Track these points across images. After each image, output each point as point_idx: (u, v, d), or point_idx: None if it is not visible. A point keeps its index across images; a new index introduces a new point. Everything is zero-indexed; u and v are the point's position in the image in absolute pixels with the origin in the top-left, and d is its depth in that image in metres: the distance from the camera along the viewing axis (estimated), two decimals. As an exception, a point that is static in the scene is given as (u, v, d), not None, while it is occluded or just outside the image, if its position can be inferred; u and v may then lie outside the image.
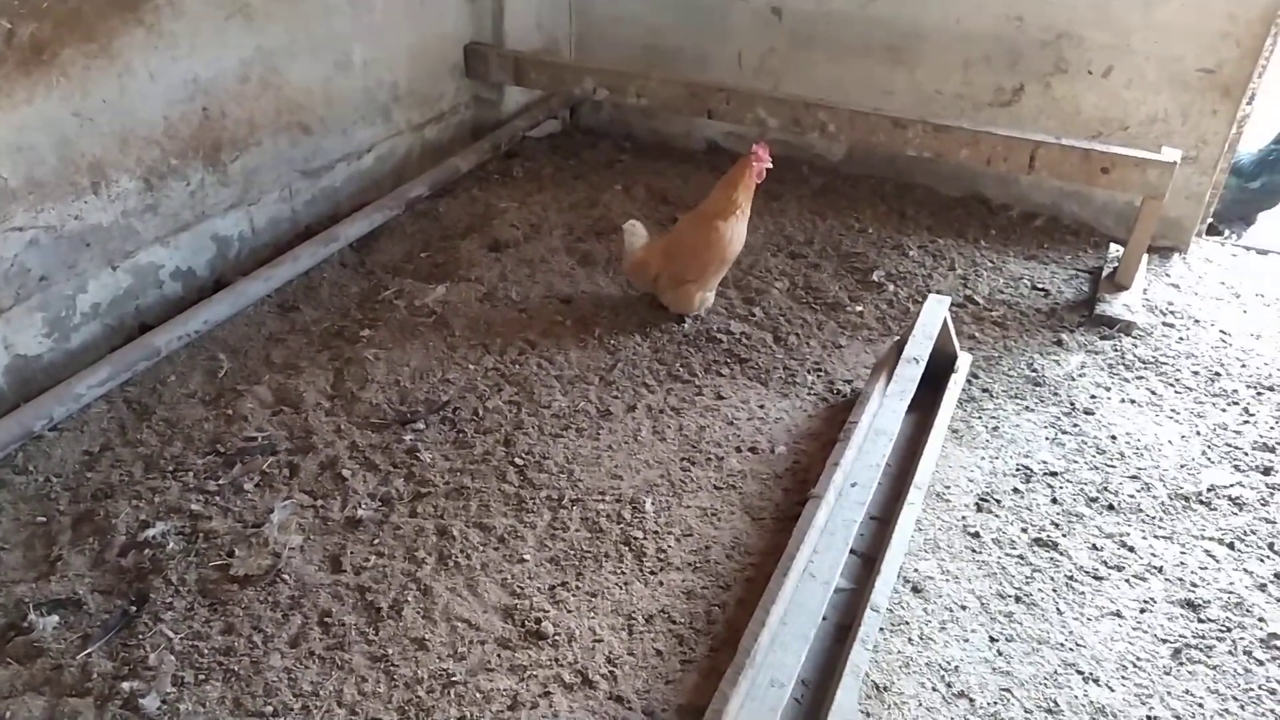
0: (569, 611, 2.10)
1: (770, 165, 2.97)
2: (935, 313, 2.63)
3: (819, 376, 2.93)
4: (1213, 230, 4.07)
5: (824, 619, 2.06)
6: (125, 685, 1.86)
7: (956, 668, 2.00)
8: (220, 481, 2.38)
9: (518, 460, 2.52)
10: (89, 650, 1.93)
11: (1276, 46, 3.54)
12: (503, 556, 2.23)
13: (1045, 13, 3.69)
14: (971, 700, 1.93)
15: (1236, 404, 2.84)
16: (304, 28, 3.22)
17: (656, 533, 2.32)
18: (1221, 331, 3.20)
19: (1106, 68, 3.69)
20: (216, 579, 2.12)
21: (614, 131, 4.71)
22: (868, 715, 1.89)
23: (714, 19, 4.26)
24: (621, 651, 2.01)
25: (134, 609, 2.03)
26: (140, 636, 1.97)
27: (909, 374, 2.37)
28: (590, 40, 4.58)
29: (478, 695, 1.90)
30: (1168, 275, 3.62)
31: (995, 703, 1.93)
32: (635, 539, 2.30)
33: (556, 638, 2.03)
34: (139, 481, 2.38)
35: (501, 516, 2.34)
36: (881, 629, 2.08)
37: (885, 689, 1.95)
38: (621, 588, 2.17)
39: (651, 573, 2.21)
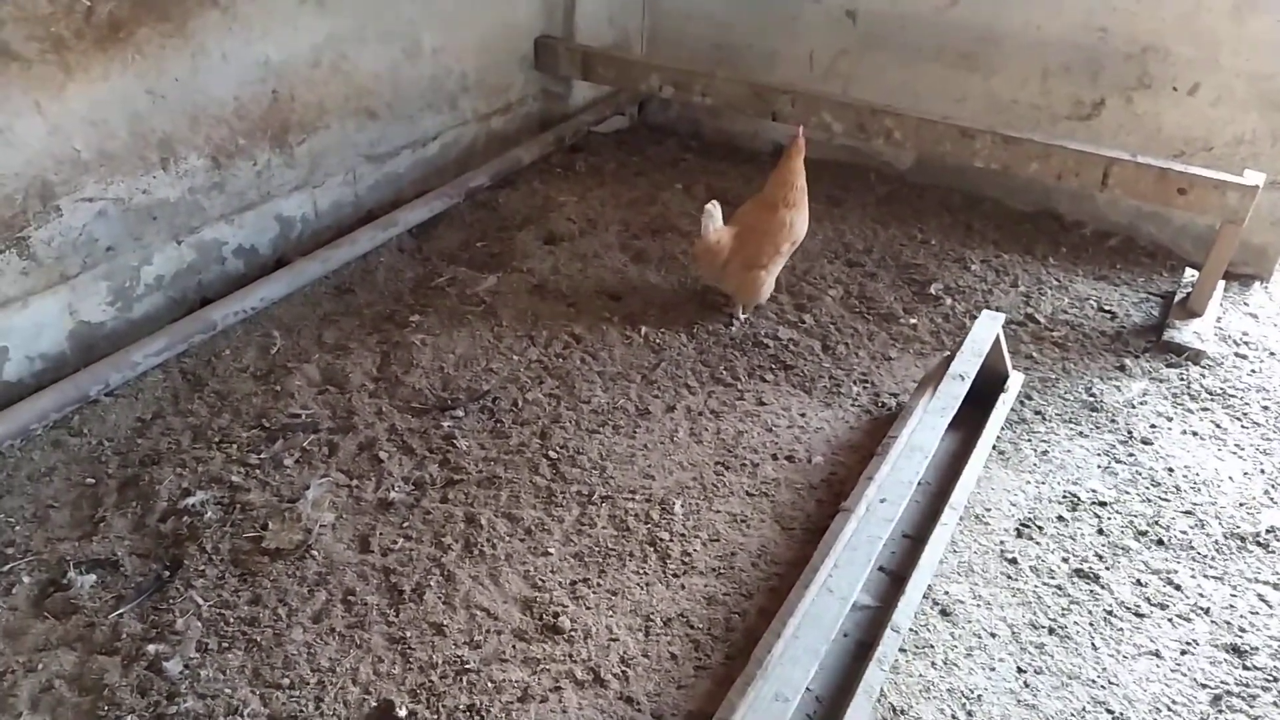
0: (588, 608, 2.10)
1: (801, 140, 3.04)
2: (988, 329, 2.55)
3: (865, 388, 2.88)
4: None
5: (845, 636, 2.03)
6: (151, 648, 1.92)
7: (980, 697, 1.94)
8: (262, 455, 2.44)
9: (552, 453, 2.53)
10: (121, 611, 2.00)
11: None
12: (528, 548, 2.24)
13: (1130, 24, 3.55)
14: (992, 732, 1.87)
15: (1308, 443, 2.70)
16: (375, 14, 3.28)
17: (683, 535, 2.30)
18: (1299, 365, 3.04)
19: (1193, 84, 3.54)
20: (249, 550, 2.17)
21: (681, 130, 4.69)
22: (881, 738, 1.85)
23: (786, 18, 4.21)
24: (636, 652, 2.00)
25: (168, 574, 2.09)
26: (171, 601, 2.03)
27: (953, 391, 2.31)
28: (661, 36, 4.57)
29: (489, 685, 1.91)
30: (1246, 304, 3.45)
31: (1017, 736, 1.86)
32: (661, 540, 2.28)
33: (573, 633, 2.03)
34: (185, 450, 2.45)
35: (530, 508, 2.35)
36: (905, 651, 2.03)
37: (902, 712, 1.90)
38: (643, 588, 2.16)
39: (674, 575, 2.19)
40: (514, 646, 2.00)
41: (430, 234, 3.51)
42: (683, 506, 2.38)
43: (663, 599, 2.13)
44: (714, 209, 3.02)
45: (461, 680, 1.91)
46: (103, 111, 2.56)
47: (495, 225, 3.62)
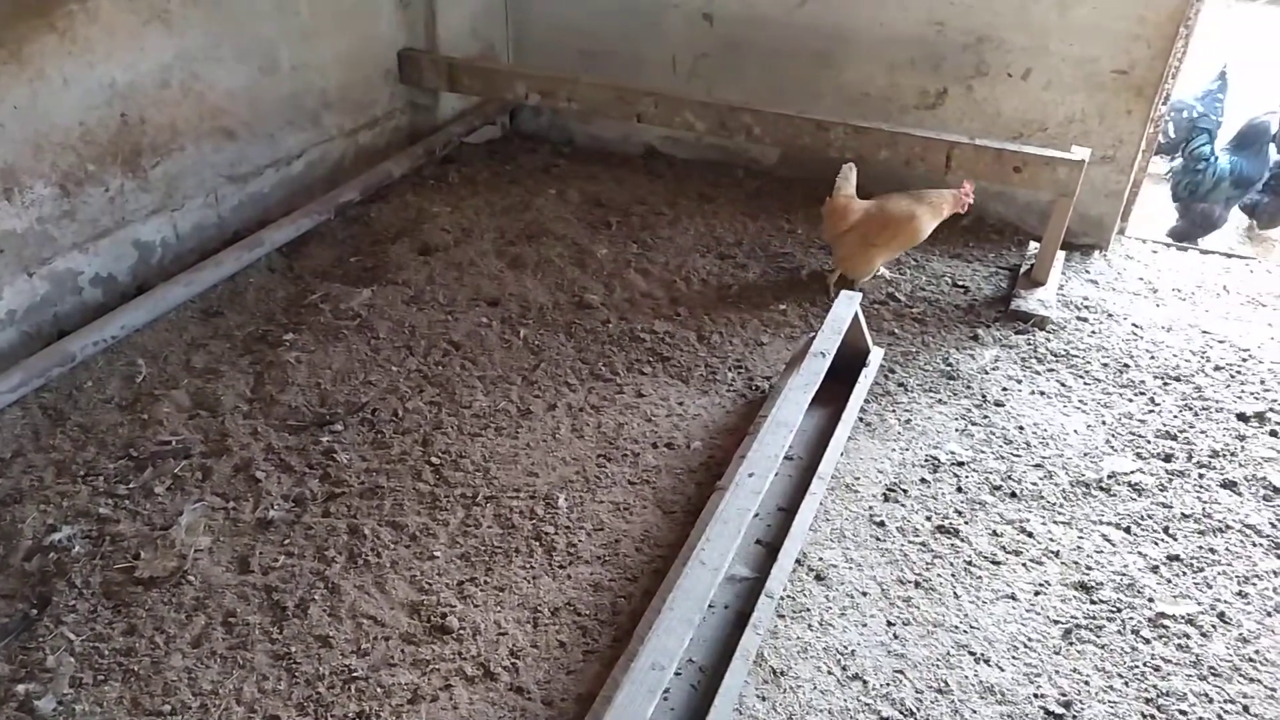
0: (476, 606, 2.12)
1: (972, 201, 3.30)
2: (846, 308, 2.69)
3: (739, 373, 2.98)
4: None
5: (725, 608, 2.11)
6: (21, 688, 1.86)
7: (853, 651, 2.05)
8: (131, 485, 2.38)
9: (434, 459, 2.54)
10: (-15, 654, 1.93)
11: (1188, 48, 3.67)
12: (413, 554, 2.25)
13: (966, 16, 3.77)
14: (865, 682, 1.98)
15: (1143, 394, 2.92)
16: (227, 32, 3.23)
17: (568, 528, 2.35)
18: (1134, 325, 3.29)
19: (1025, 70, 3.79)
20: (121, 582, 2.12)
21: (553, 137, 4.74)
22: (763, 699, 1.93)
23: (648, 24, 4.30)
24: (525, 644, 2.04)
25: (35, 612, 2.02)
26: (40, 639, 1.97)
27: (815, 368, 2.42)
28: (528, 46, 4.62)
29: (378, 690, 1.92)
30: (1087, 272, 3.71)
31: (888, 684, 1.97)
32: (547, 534, 2.32)
33: (461, 632, 2.05)
34: (48, 486, 2.37)
35: (415, 515, 2.36)
36: (784, 616, 2.13)
37: (782, 674, 1.99)
38: (530, 582, 2.19)
39: (561, 567, 2.24)
40: (402, 650, 2.01)
41: (301, 252, 3.47)
42: (567, 500, 2.43)
43: (550, 590, 2.17)
44: (849, 170, 3.27)
45: (350, 689, 1.92)
46: (-66, 142, 2.46)
47: (368, 240, 3.59)
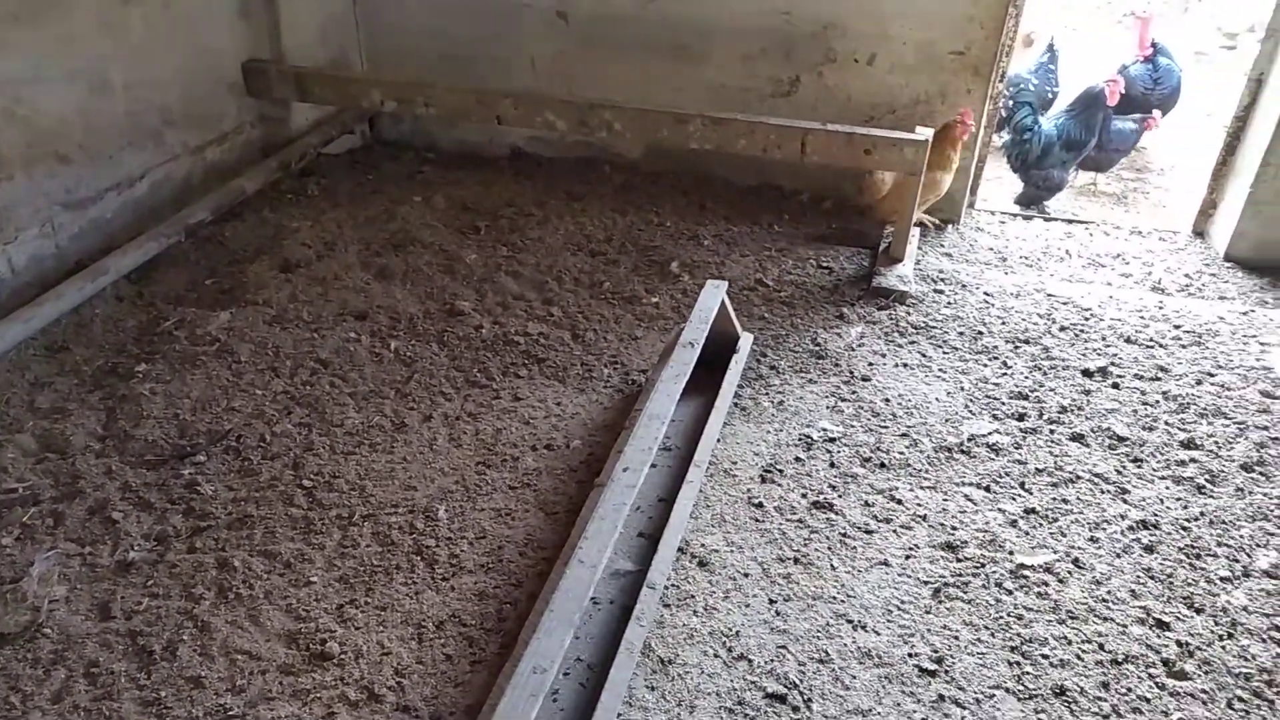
0: (357, 629, 2.07)
1: (972, 126, 3.67)
2: (713, 298, 2.73)
3: (615, 369, 3.00)
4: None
5: (611, 603, 2.13)
6: None
7: (737, 633, 2.09)
8: (-27, 540, 2.23)
9: (306, 482, 2.47)
10: None
11: (1018, 27, 3.87)
12: (288, 582, 2.18)
13: (811, 5, 3.88)
14: (750, 661, 2.02)
15: (997, 359, 3.08)
16: (51, 54, 3.05)
17: (450, 539, 2.32)
18: (986, 294, 3.46)
19: (870, 55, 3.93)
20: (-33, 643, 1.98)
21: (417, 143, 4.66)
22: (652, 689, 1.96)
23: (505, 26, 4.27)
24: (410, 661, 2.01)
25: None
26: (-123, 715, 1.83)
27: (684, 358, 2.46)
28: (384, 52, 4.52)
29: (258, 725, 1.85)
30: (942, 245, 3.88)
31: (772, 660, 2.02)
32: (428, 548, 2.29)
33: (343, 657, 2.00)
34: (-122, 550, 2.20)
35: (288, 542, 2.29)
36: (670, 605, 2.15)
37: (670, 662, 2.02)
38: (412, 598, 2.16)
39: (444, 579, 2.21)
40: (281, 682, 1.94)
41: (151, 278, 3.31)
42: (447, 511, 2.40)
43: (434, 604, 2.14)
44: (884, 175, 3.73)
45: (227, 728, 1.85)
46: None
47: (224, 260, 3.46)
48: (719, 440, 2.66)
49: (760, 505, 2.45)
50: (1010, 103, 4.42)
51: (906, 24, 3.81)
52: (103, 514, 2.32)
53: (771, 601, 2.17)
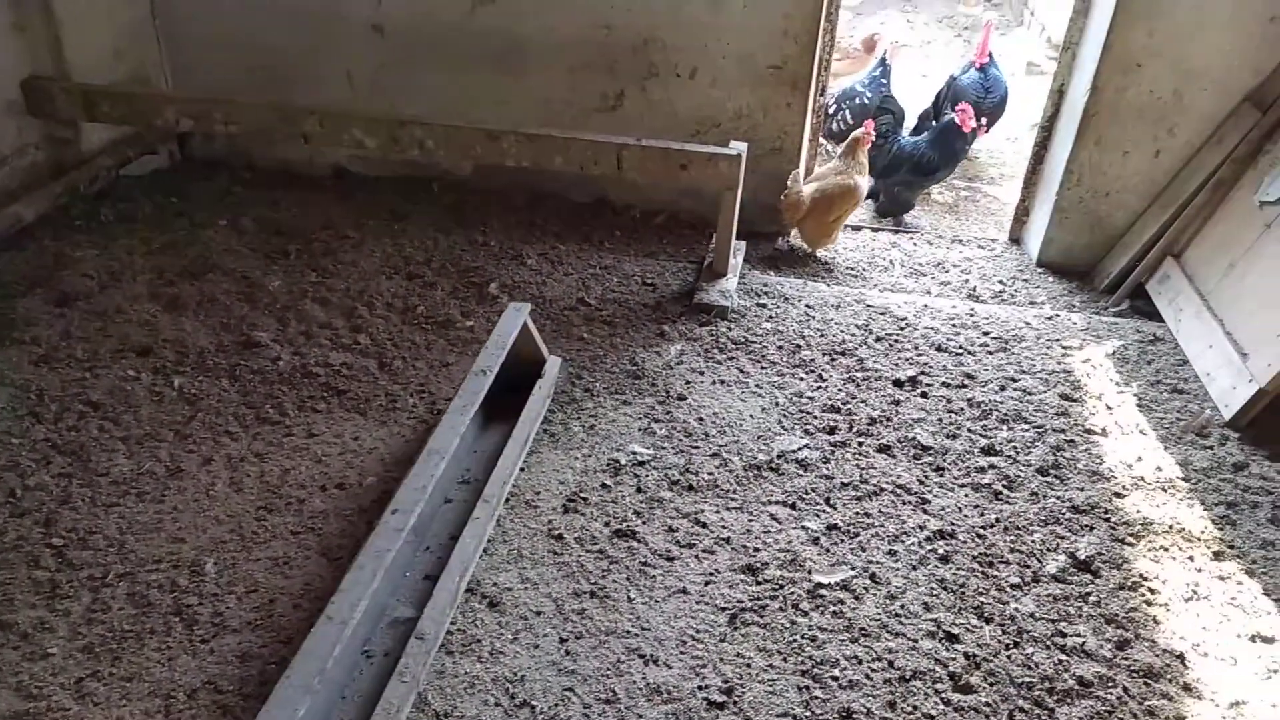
0: (96, 704, 1.87)
1: (872, 135, 3.88)
2: (512, 321, 2.63)
3: (422, 399, 2.85)
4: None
5: (386, 655, 1.98)
6: None
7: (522, 677, 1.98)
8: None
9: (57, 540, 2.24)
10: None
11: (833, 42, 3.92)
12: (22, 655, 1.96)
13: (630, 20, 3.83)
14: (533, 707, 1.91)
15: (813, 372, 3.07)
16: None
17: (216, 595, 2.13)
18: (807, 306, 3.46)
19: (692, 69, 3.90)
20: None
21: (233, 163, 4.39)
22: (424, 748, 1.82)
23: (319, 38, 4.07)
24: (154, 738, 1.82)
25: None
26: None
27: (473, 387, 2.34)
28: (190, 68, 4.23)
29: (-39, 829, 1.63)
30: (770, 258, 3.88)
31: (556, 705, 1.92)
32: (189, 607, 2.10)
33: (75, 738, 1.80)
34: None
35: (28, 609, 2.06)
36: (452, 652, 2.02)
37: (446, 716, 1.89)
38: (164, 665, 1.96)
39: (203, 641, 2.02)
40: (-4, 775, 1.73)
41: (-99, 318, 2.99)
42: (215, 564, 2.21)
43: (188, 670, 1.96)
44: (797, 175, 3.72)
45: (-79, 835, 1.62)
46: None
47: (-8, 295, 3.15)
48: (523, 470, 2.56)
49: (560, 537, 2.35)
50: (856, 113, 4.49)
51: (724, 38, 3.80)
52: None
53: (563, 640, 2.07)
